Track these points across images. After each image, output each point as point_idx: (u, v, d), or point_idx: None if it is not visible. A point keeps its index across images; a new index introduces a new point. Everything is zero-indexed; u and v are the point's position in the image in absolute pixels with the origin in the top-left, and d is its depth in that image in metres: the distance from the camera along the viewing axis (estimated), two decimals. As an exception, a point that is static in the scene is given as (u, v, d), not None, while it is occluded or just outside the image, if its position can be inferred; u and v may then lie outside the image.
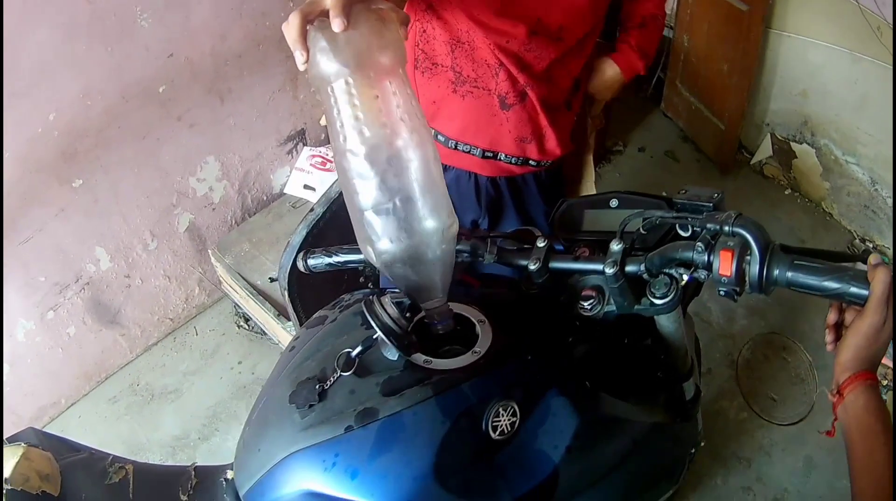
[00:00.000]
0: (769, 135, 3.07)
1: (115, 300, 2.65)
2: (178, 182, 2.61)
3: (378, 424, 0.87)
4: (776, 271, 0.87)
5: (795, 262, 0.86)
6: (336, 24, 0.78)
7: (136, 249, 2.61)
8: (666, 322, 1.13)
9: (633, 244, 1.05)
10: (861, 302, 0.84)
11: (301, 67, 0.84)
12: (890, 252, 2.63)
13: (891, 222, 2.69)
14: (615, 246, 1.00)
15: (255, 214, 2.95)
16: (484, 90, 1.49)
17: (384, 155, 0.85)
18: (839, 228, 2.92)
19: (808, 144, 2.89)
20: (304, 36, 0.82)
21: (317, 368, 0.98)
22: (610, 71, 1.68)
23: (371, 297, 0.93)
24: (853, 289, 0.83)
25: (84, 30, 2.05)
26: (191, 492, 1.09)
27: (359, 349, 0.94)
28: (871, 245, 2.80)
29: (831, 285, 0.84)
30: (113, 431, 2.60)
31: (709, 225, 0.92)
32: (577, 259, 1.07)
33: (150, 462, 2.46)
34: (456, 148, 1.59)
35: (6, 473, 0.96)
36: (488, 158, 1.60)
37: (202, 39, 2.39)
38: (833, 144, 2.79)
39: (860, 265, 0.87)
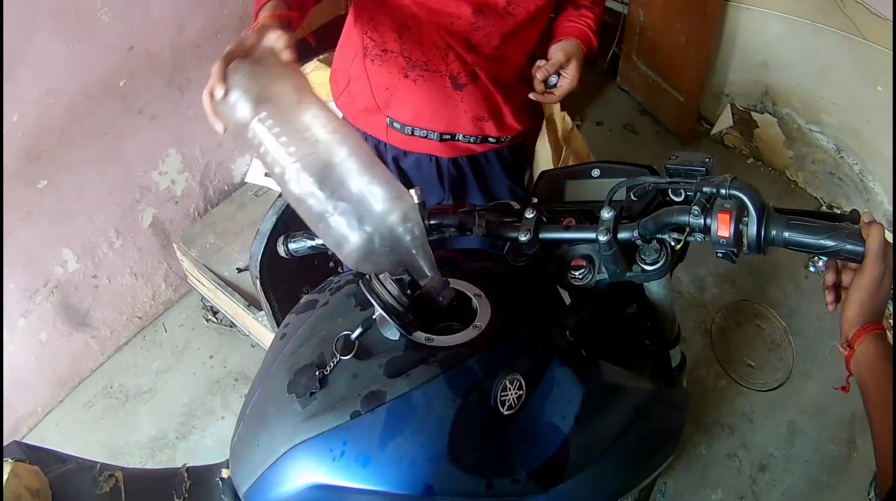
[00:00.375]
0: (729, 105, 3.11)
1: (84, 302, 2.59)
2: (140, 177, 2.56)
3: (386, 407, 0.85)
4: (773, 231, 0.89)
5: (791, 222, 0.88)
6: (217, 92, 0.96)
7: (102, 247, 2.55)
8: (656, 288, 1.15)
9: (622, 212, 1.05)
10: (857, 258, 0.86)
11: (219, 129, 1.02)
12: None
13: (858, 189, 2.74)
14: (606, 214, 1.00)
15: (217, 205, 2.90)
16: (435, 72, 1.47)
17: (317, 164, 0.93)
18: (805, 195, 2.97)
19: (770, 113, 2.93)
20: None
21: (313, 354, 0.95)
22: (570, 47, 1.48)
23: (368, 276, 0.91)
24: (849, 246, 0.86)
25: (45, 27, 1.99)
26: (185, 495, 1.06)
27: (359, 330, 0.91)
28: (838, 211, 2.85)
29: (828, 242, 0.86)
30: (92, 436, 2.55)
31: (704, 188, 0.93)
32: (566, 229, 1.07)
33: (131, 465, 2.42)
34: (413, 134, 1.57)
35: None
36: (446, 140, 1.58)
37: (161, 31, 2.33)
38: (796, 113, 2.83)
39: (848, 225, 0.89)
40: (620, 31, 3.47)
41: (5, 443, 1.13)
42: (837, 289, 0.98)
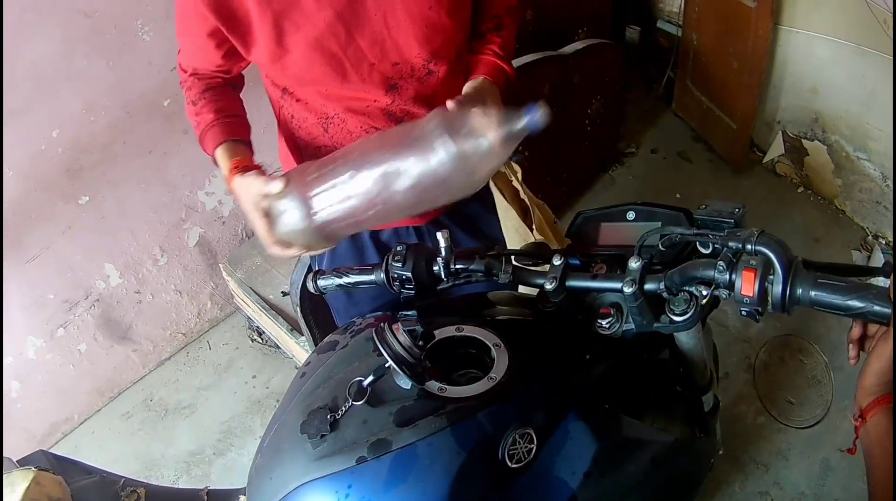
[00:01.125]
0: (781, 132, 3.03)
1: (126, 316, 2.65)
2: (186, 196, 2.60)
3: (392, 456, 0.84)
4: (799, 290, 0.84)
5: (819, 281, 0.83)
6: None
7: (146, 264, 2.60)
8: (685, 338, 1.11)
9: (652, 260, 1.02)
10: (884, 321, 0.81)
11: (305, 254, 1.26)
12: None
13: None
14: (633, 264, 0.96)
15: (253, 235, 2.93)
16: None
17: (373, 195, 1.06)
18: (852, 224, 2.88)
19: (820, 140, 2.85)
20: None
21: (328, 396, 0.96)
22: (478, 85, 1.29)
23: (382, 325, 0.91)
24: (877, 308, 0.80)
25: (83, 44, 2.05)
26: None
27: (371, 378, 0.91)
28: (882, 241, 2.76)
29: (855, 303, 0.81)
30: (127, 447, 2.60)
31: (731, 243, 0.89)
32: (594, 277, 1.03)
33: (165, 478, 2.46)
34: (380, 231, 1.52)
35: (16, 498, 0.97)
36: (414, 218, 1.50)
37: (206, 52, 2.37)
38: (844, 140, 2.75)
39: (881, 280, 0.85)
40: (675, 55, 3.42)
41: (32, 451, 1.16)
42: (862, 342, 0.94)
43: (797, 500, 2.12)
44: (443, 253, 1.11)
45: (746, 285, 0.85)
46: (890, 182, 2.63)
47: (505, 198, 2.06)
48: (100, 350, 2.61)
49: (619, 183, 3.25)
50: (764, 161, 3.16)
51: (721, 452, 1.52)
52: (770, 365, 2.46)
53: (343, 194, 1.06)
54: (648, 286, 0.96)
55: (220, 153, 1.28)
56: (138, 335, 2.72)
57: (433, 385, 0.91)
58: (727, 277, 0.87)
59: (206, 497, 1.15)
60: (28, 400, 2.48)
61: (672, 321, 0.97)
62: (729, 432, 2.23)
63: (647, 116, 3.59)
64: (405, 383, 0.92)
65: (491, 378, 0.91)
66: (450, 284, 1.14)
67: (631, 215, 1.15)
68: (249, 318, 2.87)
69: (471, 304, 1.20)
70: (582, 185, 3.19)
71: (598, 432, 0.93)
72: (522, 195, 2.09)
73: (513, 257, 1.12)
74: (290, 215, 1.10)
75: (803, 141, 2.91)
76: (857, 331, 0.94)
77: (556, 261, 1.05)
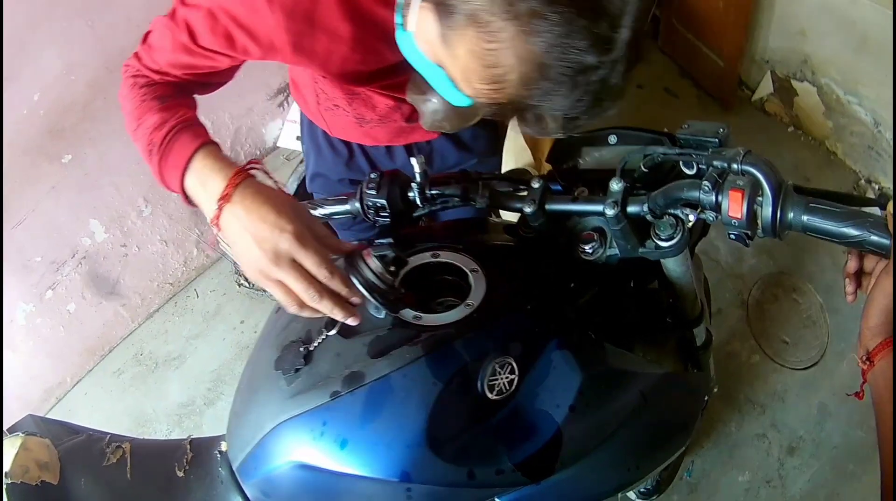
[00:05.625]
0: (769, 72, 2.97)
1: (113, 271, 2.62)
2: (168, 146, 2.55)
3: (366, 389, 0.81)
4: (790, 214, 0.78)
5: (811, 205, 0.78)
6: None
7: (131, 216, 2.57)
8: (673, 266, 1.06)
9: (635, 183, 0.96)
10: (882, 252, 0.75)
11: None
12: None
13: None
14: (615, 185, 0.91)
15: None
16: (390, 121, 1.38)
17: None
18: (844, 167, 2.81)
19: (809, 82, 2.78)
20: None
21: (302, 330, 0.93)
22: None
23: (353, 252, 0.87)
24: (874, 237, 0.74)
25: (63, 6, 2.00)
26: (186, 467, 1.06)
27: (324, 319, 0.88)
28: (875, 186, 2.71)
29: (851, 231, 0.75)
30: (120, 405, 2.59)
31: (715, 162, 0.83)
32: (575, 200, 0.99)
33: (158, 432, 2.45)
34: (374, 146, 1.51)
35: (6, 467, 0.96)
36: (410, 145, 1.51)
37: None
38: (834, 83, 2.68)
39: (877, 211, 0.79)
40: (658, -8, 3.33)
41: (23, 416, 1.14)
42: (859, 277, 0.87)
43: (796, 444, 2.10)
44: (418, 178, 1.06)
45: (734, 205, 0.79)
46: (881, 128, 2.57)
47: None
48: (89, 308, 2.59)
49: (603, 118, 3.17)
50: (753, 99, 3.09)
51: (716, 390, 1.50)
52: (763, 303, 2.43)
53: None
54: (631, 209, 0.91)
55: (210, 152, 0.97)
56: (126, 289, 2.69)
57: (408, 313, 0.88)
58: (713, 198, 0.82)
59: (188, 447, 1.11)
60: (21, 368, 2.47)
61: (658, 246, 0.93)
62: (724, 370, 2.21)
63: (632, 52, 3.49)
64: (378, 312, 0.89)
65: (468, 305, 0.88)
66: (426, 210, 1.09)
67: (613, 139, 1.08)
68: (235, 263, 2.83)
69: (450, 230, 1.16)
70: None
71: (583, 362, 0.89)
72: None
73: (491, 182, 1.08)
74: (441, 103, 0.99)
75: (793, 82, 2.85)
76: (853, 264, 0.87)
77: (535, 184, 1.00)
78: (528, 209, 0.98)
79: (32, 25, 1.97)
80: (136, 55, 1.05)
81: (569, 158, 1.14)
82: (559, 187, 1.04)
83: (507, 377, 0.83)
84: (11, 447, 1.00)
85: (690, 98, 3.20)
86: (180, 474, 1.06)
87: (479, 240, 1.09)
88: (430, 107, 1.07)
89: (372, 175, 1.07)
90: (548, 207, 0.99)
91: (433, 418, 0.79)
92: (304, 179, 1.69)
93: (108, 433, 1.14)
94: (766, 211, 0.78)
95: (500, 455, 0.82)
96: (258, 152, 2.92)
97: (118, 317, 2.72)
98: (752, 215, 0.79)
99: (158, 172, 0.97)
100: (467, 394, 0.81)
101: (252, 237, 0.85)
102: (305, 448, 0.82)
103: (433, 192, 1.06)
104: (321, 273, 0.83)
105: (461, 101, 0.86)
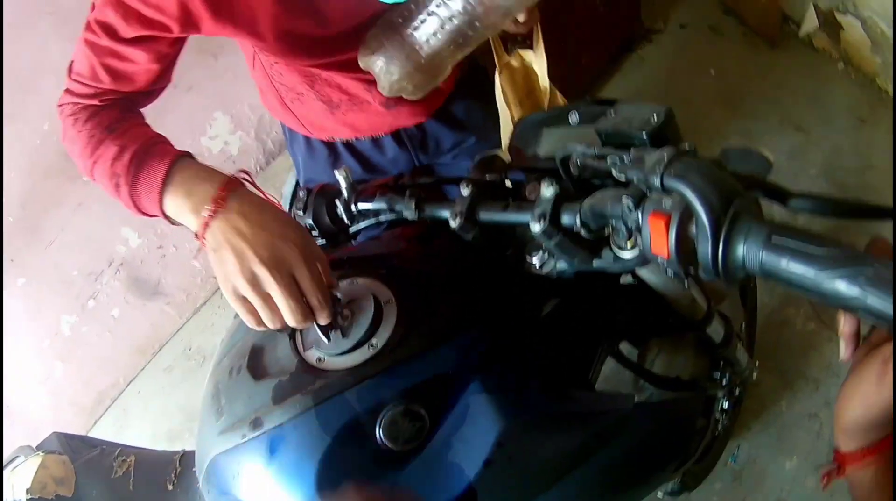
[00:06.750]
0: (812, 5, 2.71)
1: (154, 273, 2.66)
2: (189, 146, 2.52)
3: (267, 436, 0.76)
4: (740, 251, 0.55)
5: (774, 238, 0.53)
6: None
7: (162, 220, 2.58)
8: (648, 275, 0.92)
9: (581, 181, 0.80)
10: (881, 321, 0.47)
11: None
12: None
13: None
14: (545, 191, 0.75)
15: (279, 156, 2.87)
16: (363, 102, 1.29)
17: None
18: (897, 107, 2.54)
19: (853, 14, 2.51)
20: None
21: (227, 367, 0.88)
22: None
23: None
24: (871, 300, 0.47)
25: (55, 36, 2.02)
26: (175, 480, 1.11)
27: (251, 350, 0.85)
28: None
29: (834, 287, 0.49)
30: (171, 400, 2.64)
31: (630, 173, 0.64)
32: (505, 208, 0.84)
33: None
34: (357, 140, 1.41)
35: (27, 483, 1.04)
36: (393, 132, 1.40)
37: None
38: (876, 16, 2.41)
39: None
40: (697, -77, 3.09)
41: (71, 431, 1.26)
42: (857, 338, 0.63)
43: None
44: (344, 194, 0.98)
45: (656, 237, 0.59)
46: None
47: (507, 97, 1.74)
48: (133, 311, 2.65)
49: (649, 62, 2.97)
50: (800, 35, 2.84)
51: (755, 376, 1.34)
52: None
53: (439, 19, 0.97)
54: (566, 220, 0.74)
55: (188, 163, 0.91)
56: (169, 288, 2.73)
57: (312, 355, 0.81)
58: (638, 219, 0.63)
59: (177, 462, 1.16)
60: (72, 376, 2.55)
61: (618, 258, 0.73)
62: (777, 340, 2.05)
63: (674, -10, 3.26)
64: (285, 353, 0.83)
65: (371, 346, 0.78)
66: (361, 225, 1.01)
67: (574, 117, 0.88)
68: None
69: (384, 246, 1.04)
70: (609, 68, 2.96)
71: (506, 409, 0.76)
72: (542, 89, 1.76)
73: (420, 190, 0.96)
74: (396, 61, 1.02)
75: (836, 14, 2.58)
76: (849, 327, 0.62)
77: (465, 191, 0.86)
78: (453, 223, 0.86)
79: (30, 59, 2.00)
80: (67, 91, 1.02)
81: (529, 142, 0.97)
82: (522, 178, 0.90)
83: (413, 425, 0.74)
84: (32, 466, 1.08)
85: (736, 36, 2.97)
86: (170, 487, 1.10)
87: (411, 258, 0.98)
88: (384, 67, 1.02)
89: (300, 194, 1.01)
90: (480, 217, 0.86)
91: (322, 471, 0.73)
92: (297, 183, 1.64)
93: (119, 446, 1.19)
94: (704, 247, 0.56)
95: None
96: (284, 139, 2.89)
97: (164, 315, 2.77)
98: (684, 250, 0.59)
99: (131, 201, 0.92)
100: (360, 446, 0.74)
101: (248, 244, 0.79)
102: (232, 483, 0.79)
103: (360, 208, 0.98)
104: (315, 296, 0.79)
105: None
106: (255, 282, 0.78)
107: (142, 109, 1.06)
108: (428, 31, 0.98)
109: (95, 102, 0.99)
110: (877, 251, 0.55)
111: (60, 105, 1.03)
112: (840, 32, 2.61)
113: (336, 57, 1.12)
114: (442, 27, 0.97)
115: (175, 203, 0.87)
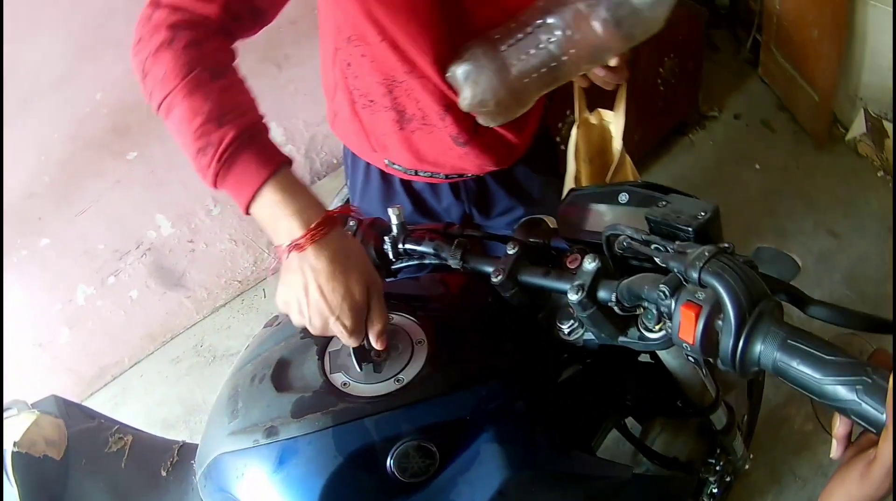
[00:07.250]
0: (863, 110, 2.76)
1: (179, 264, 2.71)
2: (239, 152, 2.61)
3: (279, 445, 0.80)
4: (758, 348, 0.63)
5: (790, 341, 0.62)
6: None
7: (199, 215, 2.65)
8: (668, 358, 0.97)
9: (622, 259, 0.85)
10: (872, 429, 0.57)
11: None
12: None
13: None
14: (587, 264, 0.80)
15: (324, 177, 2.91)
16: (435, 126, 1.24)
17: None
18: (934, 223, 2.58)
19: (901, 123, 2.57)
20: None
21: (249, 373, 0.93)
22: None
23: None
24: (865, 406, 0.56)
25: (121, 12, 2.06)
26: (170, 469, 1.12)
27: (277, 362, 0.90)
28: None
29: (834, 391, 0.58)
30: (172, 391, 2.68)
31: (671, 263, 0.70)
32: (546, 274, 0.88)
33: (203, 422, 2.52)
34: (416, 174, 1.35)
35: (16, 437, 1.04)
36: (454, 178, 1.37)
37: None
38: None
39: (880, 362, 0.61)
40: (760, 17, 3.18)
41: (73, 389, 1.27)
42: (849, 439, 0.68)
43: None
44: (393, 231, 1.03)
45: (685, 325, 0.66)
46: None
47: (578, 153, 1.69)
48: (152, 297, 2.69)
49: (699, 147, 3.05)
50: (847, 139, 2.89)
51: (747, 467, 1.37)
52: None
53: (536, 40, 1.02)
54: (602, 295, 0.79)
55: (283, 182, 0.85)
56: (192, 282, 2.78)
57: (338, 378, 0.86)
58: (670, 305, 0.69)
59: (176, 451, 1.17)
60: (77, 344, 2.58)
61: (643, 337, 0.79)
62: (774, 436, 2.07)
63: (734, 80, 3.34)
64: (311, 371, 0.87)
65: (398, 380, 0.84)
66: (403, 264, 1.06)
67: (623, 198, 0.94)
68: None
69: (422, 288, 1.09)
70: (660, 148, 3.03)
71: (513, 460, 0.81)
72: (614, 150, 1.72)
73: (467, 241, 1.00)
74: (485, 71, 1.04)
75: (884, 122, 2.63)
76: (843, 429, 0.67)
77: (510, 250, 0.92)
78: (494, 279, 0.91)
79: (92, 29, 2.05)
80: (153, 2, 0.90)
81: (576, 215, 1.01)
82: (566, 247, 0.95)
83: (422, 461, 0.78)
84: (26, 421, 1.08)
85: (786, 133, 3.04)
86: (164, 474, 1.11)
87: (448, 305, 1.03)
88: (471, 75, 1.04)
89: (350, 223, 1.04)
90: (520, 278, 0.91)
91: (328, 488, 0.77)
92: (346, 200, 1.68)
93: (118, 423, 1.20)
94: (726, 341, 0.63)
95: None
96: (334, 160, 2.94)
97: (182, 308, 2.81)
98: (708, 340, 0.66)
99: (214, 175, 0.85)
100: (370, 472, 0.78)
101: (320, 290, 0.83)
102: (233, 483, 0.83)
103: (406, 247, 1.03)
104: (379, 325, 0.86)
105: None
106: (302, 313, 0.86)
107: None
108: (523, 49, 1.02)
109: (199, 8, 0.88)
110: (878, 362, 0.60)
111: (143, 18, 0.90)
112: (885, 140, 2.65)
113: (433, 55, 1.09)
114: (538, 48, 1.02)
115: (260, 219, 0.86)
